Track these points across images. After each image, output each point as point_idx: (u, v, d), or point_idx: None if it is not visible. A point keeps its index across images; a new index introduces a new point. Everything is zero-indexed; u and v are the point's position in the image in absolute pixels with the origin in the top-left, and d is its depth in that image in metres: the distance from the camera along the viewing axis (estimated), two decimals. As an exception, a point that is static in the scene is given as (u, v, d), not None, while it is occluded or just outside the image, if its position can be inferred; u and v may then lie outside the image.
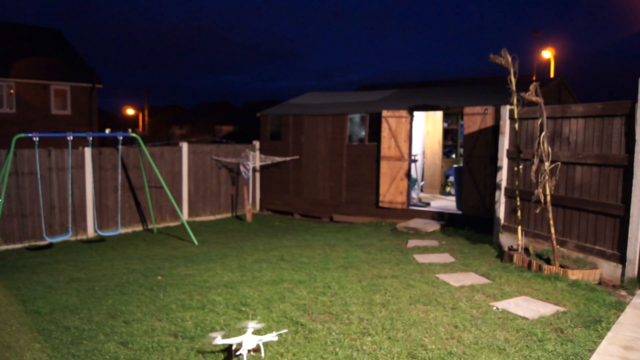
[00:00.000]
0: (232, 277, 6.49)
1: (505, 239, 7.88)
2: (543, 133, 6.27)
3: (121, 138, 9.85)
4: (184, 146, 11.71)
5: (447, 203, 11.38)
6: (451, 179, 12.54)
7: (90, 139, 9.80)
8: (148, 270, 7.02)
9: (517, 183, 7.25)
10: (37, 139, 8.59)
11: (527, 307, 5.07)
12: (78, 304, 5.58)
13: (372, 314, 4.97)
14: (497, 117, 9.11)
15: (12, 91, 20.83)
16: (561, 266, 6.15)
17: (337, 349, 4.14)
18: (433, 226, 9.66)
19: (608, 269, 6.01)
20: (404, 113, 10.63)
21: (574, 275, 5.95)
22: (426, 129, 13.19)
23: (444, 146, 13.51)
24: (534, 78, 15.88)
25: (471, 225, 9.51)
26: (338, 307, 5.19)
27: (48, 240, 8.90)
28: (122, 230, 10.06)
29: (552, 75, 23.93)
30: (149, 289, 6.06)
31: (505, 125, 7.98)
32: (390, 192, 10.79)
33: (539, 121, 6.35)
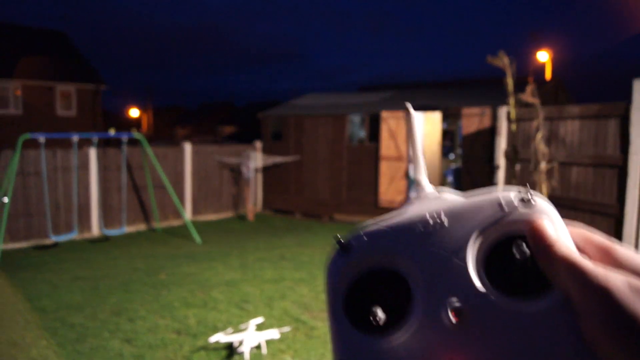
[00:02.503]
0: (234, 275, 6.54)
1: (503, 238, 7.95)
2: (539, 134, 6.35)
3: (126, 139, 9.93)
4: (187, 147, 11.79)
5: (447, 203, 11.43)
6: (449, 179, 12.61)
7: (95, 139, 9.88)
8: (151, 268, 7.08)
9: (514, 183, 7.34)
10: (43, 139, 8.65)
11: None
12: (82, 302, 5.63)
13: (370, 311, 5.04)
14: (495, 118, 9.19)
15: (18, 92, 20.86)
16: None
17: (335, 345, 4.22)
18: (433, 225, 9.72)
19: (603, 268, 6.08)
20: (403, 114, 10.69)
21: (570, 273, 6.03)
22: (425, 130, 13.24)
23: (443, 147, 13.58)
24: (531, 80, 15.88)
25: (470, 225, 9.56)
26: (337, 305, 5.26)
27: (54, 239, 8.95)
28: (126, 230, 10.14)
29: (549, 76, 23.86)
30: (153, 287, 6.11)
31: (502, 126, 8.06)
32: (390, 191, 10.88)
33: (536, 122, 6.44)
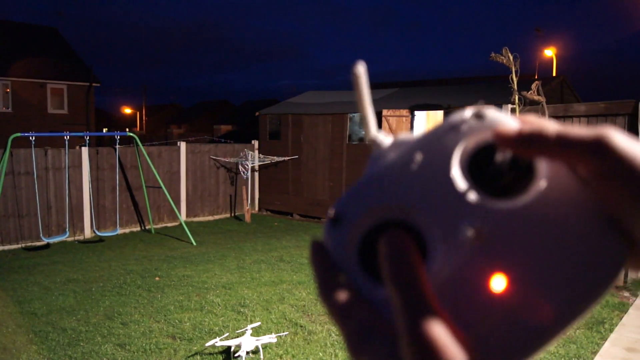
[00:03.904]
0: (231, 278, 6.46)
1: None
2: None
3: (118, 137, 9.79)
4: (182, 146, 11.65)
5: (447, 203, 11.36)
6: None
7: (87, 138, 9.76)
8: (146, 271, 6.98)
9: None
10: (34, 138, 8.53)
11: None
12: (75, 305, 5.56)
13: (372, 315, 4.93)
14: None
15: (8, 90, 20.72)
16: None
17: (336, 351, 4.10)
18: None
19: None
20: (404, 112, 10.59)
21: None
22: (427, 129, 13.14)
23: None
24: (536, 77, 15.83)
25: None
26: (338, 309, 5.15)
27: (45, 241, 8.84)
28: (120, 231, 10.01)
29: (554, 74, 23.87)
30: (147, 290, 6.02)
31: (506, 125, 7.95)
32: (390, 192, 10.76)
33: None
